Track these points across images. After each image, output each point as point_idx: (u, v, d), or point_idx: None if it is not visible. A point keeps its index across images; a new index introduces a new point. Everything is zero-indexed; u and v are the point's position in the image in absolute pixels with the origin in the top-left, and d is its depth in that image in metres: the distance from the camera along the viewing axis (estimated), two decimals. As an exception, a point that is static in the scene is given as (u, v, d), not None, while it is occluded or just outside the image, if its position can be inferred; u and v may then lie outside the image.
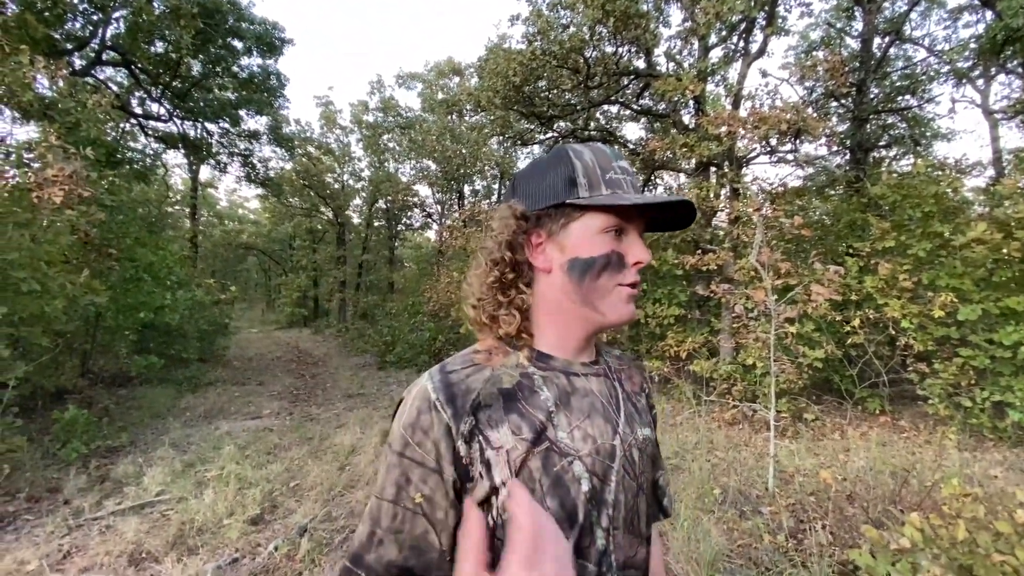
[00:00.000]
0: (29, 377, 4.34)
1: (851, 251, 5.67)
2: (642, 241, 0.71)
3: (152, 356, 6.52)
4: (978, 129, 30.12)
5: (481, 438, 0.63)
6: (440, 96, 15.56)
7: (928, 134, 9.39)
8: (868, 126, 7.85)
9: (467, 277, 0.75)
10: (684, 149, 6.50)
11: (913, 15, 8.14)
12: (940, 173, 5.68)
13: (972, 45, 7.26)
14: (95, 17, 8.47)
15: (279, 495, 3.74)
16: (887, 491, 3.17)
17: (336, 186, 19.25)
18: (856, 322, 4.88)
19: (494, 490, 0.62)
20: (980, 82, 7.96)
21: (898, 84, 8.37)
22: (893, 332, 4.95)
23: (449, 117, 13.14)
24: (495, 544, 0.63)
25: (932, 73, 8.17)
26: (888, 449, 4.43)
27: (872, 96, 8.17)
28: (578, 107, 8.32)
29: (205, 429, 5.47)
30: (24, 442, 3.71)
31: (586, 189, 0.68)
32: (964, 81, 7.55)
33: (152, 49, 9.73)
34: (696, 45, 7.48)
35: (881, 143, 8.67)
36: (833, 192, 8.12)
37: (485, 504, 0.64)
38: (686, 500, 3.27)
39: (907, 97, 8.53)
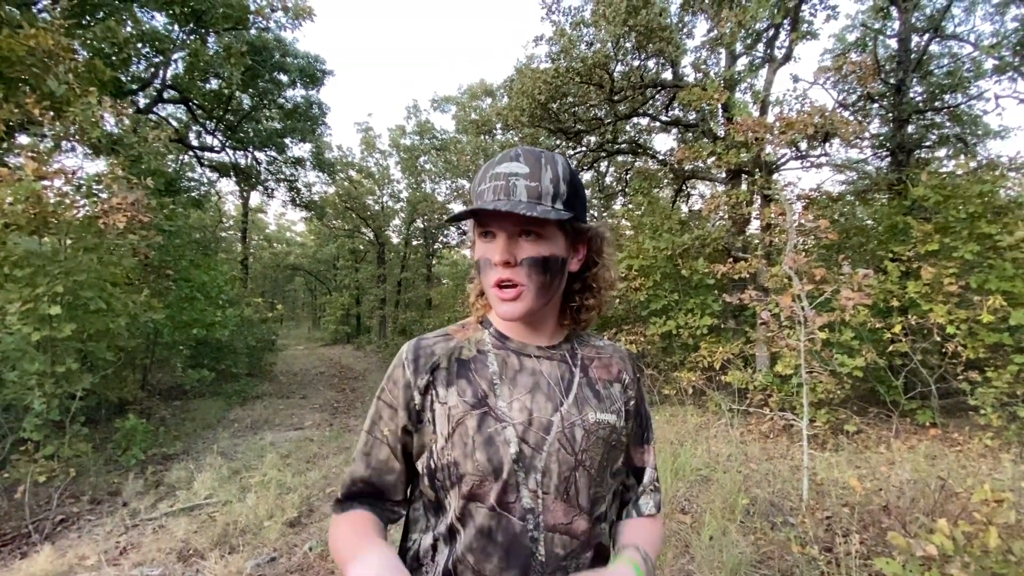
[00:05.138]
0: (95, 389, 4.72)
1: (893, 256, 5.44)
2: (505, 242, 0.74)
3: (204, 370, 6.93)
4: (1036, 126, 27.90)
5: (434, 392, 0.79)
6: (473, 117, 15.99)
7: (979, 132, 8.92)
8: (910, 126, 7.55)
9: None
10: (713, 158, 6.45)
11: (956, 11, 7.83)
12: (985, 172, 5.40)
13: (1012, 38, 6.90)
14: (156, 60, 9.26)
15: (316, 500, 3.91)
16: (928, 503, 3.02)
17: (376, 207, 19.91)
18: (897, 328, 4.67)
19: (434, 436, 0.77)
20: (1034, 76, 7.53)
21: (942, 82, 8.01)
22: (939, 339, 4.71)
23: (481, 137, 13.46)
24: (435, 483, 0.78)
25: (977, 69, 7.79)
26: (938, 462, 4.20)
27: (914, 95, 7.86)
28: (605, 121, 8.39)
29: (251, 439, 5.76)
30: (89, 448, 4.01)
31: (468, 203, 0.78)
32: (1013, 76, 7.17)
33: (207, 86, 10.52)
34: (723, 54, 7.45)
35: (926, 144, 8.29)
36: (877, 196, 7.82)
37: (423, 448, 0.79)
38: (712, 510, 3.22)
39: (953, 95, 8.15)
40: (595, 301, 0.85)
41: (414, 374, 0.80)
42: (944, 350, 4.77)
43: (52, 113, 4.56)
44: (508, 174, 0.75)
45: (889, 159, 7.48)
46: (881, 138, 7.88)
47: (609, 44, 6.87)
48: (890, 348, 4.99)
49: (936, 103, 8.09)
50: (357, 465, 0.83)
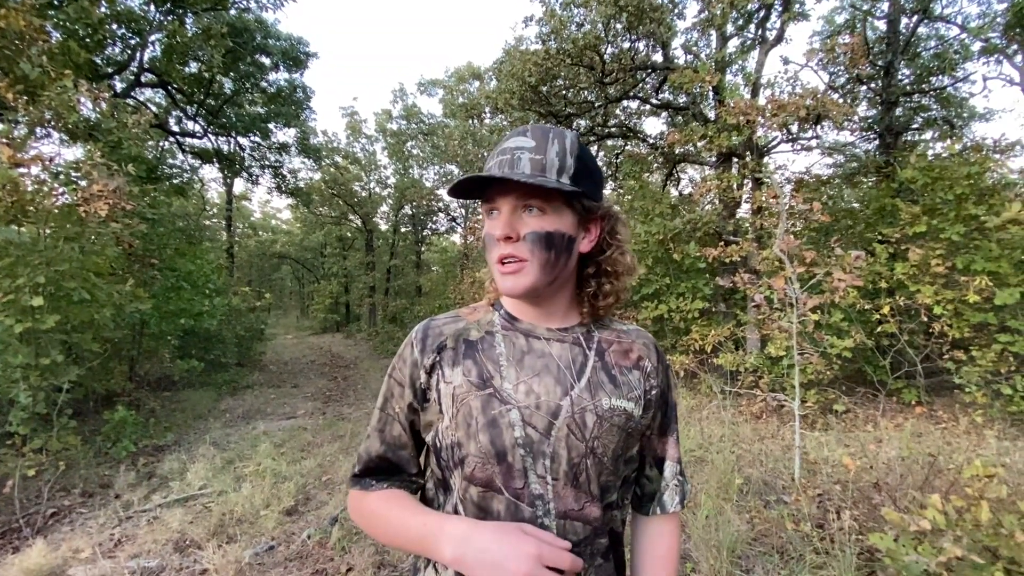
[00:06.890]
0: (82, 381, 4.63)
1: (881, 238, 5.51)
2: (507, 217, 0.73)
3: (193, 360, 6.83)
4: (1017, 108, 28.21)
5: (440, 372, 0.78)
6: (461, 101, 15.76)
7: (964, 115, 9.01)
8: (898, 109, 7.60)
9: None
10: (704, 141, 6.44)
11: (944, -8, 7.83)
12: (971, 153, 5.46)
13: (999, 20, 6.94)
14: (133, 41, 8.96)
15: (312, 488, 3.91)
16: (917, 479, 3.09)
17: (363, 194, 19.63)
18: (885, 310, 4.74)
19: (439, 415, 0.77)
20: (1019, 59, 7.60)
21: (929, 64, 8.05)
22: (926, 319, 4.79)
23: (470, 121, 13.28)
24: (440, 462, 0.78)
25: (964, 51, 7.85)
26: (924, 439, 4.30)
27: (902, 78, 7.90)
28: (596, 104, 8.32)
29: (243, 428, 5.72)
30: (78, 441, 3.94)
31: None
32: (999, 58, 7.23)
33: (186, 69, 10.22)
34: (714, 36, 7.40)
35: (914, 126, 8.35)
36: (865, 179, 7.89)
37: (430, 426, 0.79)
38: (707, 490, 3.27)
39: (940, 77, 8.21)
40: (611, 287, 0.82)
41: (421, 353, 0.80)
42: (930, 330, 4.86)
43: (26, 97, 4.40)
44: (514, 148, 0.73)
45: (877, 142, 7.53)
46: (869, 120, 7.92)
47: (600, 25, 6.78)
48: (878, 329, 5.07)
49: (923, 85, 8.14)
50: (372, 441, 0.83)
